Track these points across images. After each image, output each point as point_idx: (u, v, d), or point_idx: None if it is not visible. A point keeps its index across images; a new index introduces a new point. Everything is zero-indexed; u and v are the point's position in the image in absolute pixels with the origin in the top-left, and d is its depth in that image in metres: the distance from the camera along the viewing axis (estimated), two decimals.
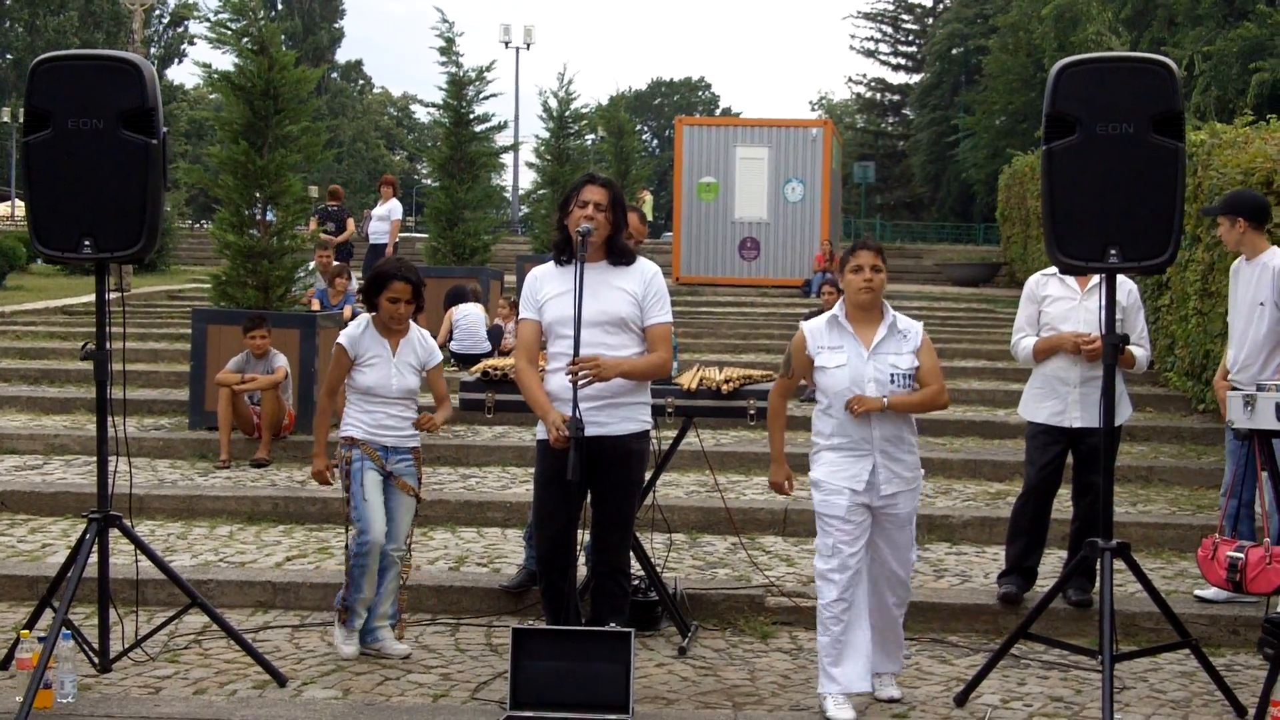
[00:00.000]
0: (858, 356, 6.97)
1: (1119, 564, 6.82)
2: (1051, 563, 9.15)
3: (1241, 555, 7.40)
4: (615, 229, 6.96)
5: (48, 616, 7.10)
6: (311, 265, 17.44)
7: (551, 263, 7.12)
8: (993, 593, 8.67)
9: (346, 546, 7.68)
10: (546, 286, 7.02)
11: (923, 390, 7.04)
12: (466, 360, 16.80)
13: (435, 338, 16.26)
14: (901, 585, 7.14)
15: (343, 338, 7.80)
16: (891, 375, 6.96)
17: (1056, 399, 8.32)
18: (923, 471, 7.22)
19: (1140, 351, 8.22)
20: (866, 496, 6.91)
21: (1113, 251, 6.63)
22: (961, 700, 7.06)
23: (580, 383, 6.64)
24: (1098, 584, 7.13)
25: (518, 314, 7.33)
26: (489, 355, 16.58)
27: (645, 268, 7.03)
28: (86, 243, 6.82)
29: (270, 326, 12.67)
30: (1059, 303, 8.39)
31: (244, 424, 12.56)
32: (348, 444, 7.71)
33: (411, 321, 7.92)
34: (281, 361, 12.64)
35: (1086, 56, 6.82)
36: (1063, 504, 8.76)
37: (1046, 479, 8.46)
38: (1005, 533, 8.82)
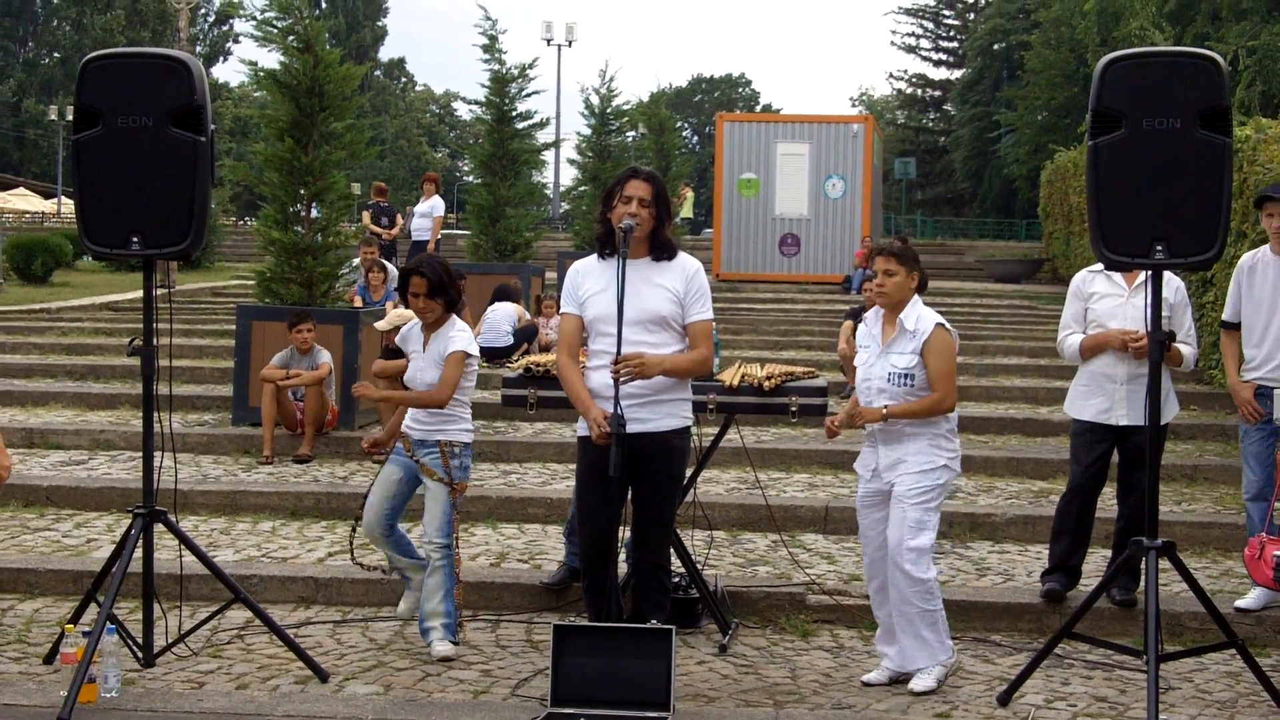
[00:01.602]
0: (874, 355, 7.36)
1: (1164, 563, 6.78)
2: (1095, 562, 9.10)
3: None
4: (659, 223, 6.95)
5: (92, 611, 7.15)
6: (356, 261, 17.50)
7: (594, 257, 7.12)
8: (1036, 591, 8.62)
9: None
10: (588, 282, 7.02)
11: (925, 398, 7.23)
12: (489, 354, 16.88)
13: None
14: (898, 569, 7.19)
15: (401, 331, 8.20)
16: (889, 374, 7.25)
17: (1103, 396, 8.27)
18: (941, 461, 7.25)
19: (1187, 349, 8.17)
20: (875, 483, 7.34)
21: (1159, 248, 6.58)
22: (1005, 700, 7.02)
23: (622, 379, 6.64)
24: (1142, 583, 7.10)
25: (558, 309, 7.37)
26: (510, 350, 16.64)
27: (687, 264, 7.02)
28: (135, 239, 6.85)
29: (315, 322, 12.72)
30: (1106, 300, 8.33)
31: (287, 420, 12.61)
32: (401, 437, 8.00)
33: (456, 317, 7.99)
34: (325, 358, 12.69)
35: (1132, 51, 6.77)
36: (1106, 503, 8.71)
37: (1092, 477, 8.41)
38: (1049, 531, 8.76)
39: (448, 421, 7.81)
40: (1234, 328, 8.74)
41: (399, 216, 23.81)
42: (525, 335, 17.23)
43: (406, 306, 8.18)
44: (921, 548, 7.18)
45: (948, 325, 7.33)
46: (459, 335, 7.88)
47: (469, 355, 7.85)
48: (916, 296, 7.38)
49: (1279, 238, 8.41)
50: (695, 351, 6.96)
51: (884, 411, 7.18)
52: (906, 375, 7.19)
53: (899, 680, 7.28)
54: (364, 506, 7.91)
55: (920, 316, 7.28)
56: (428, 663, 7.52)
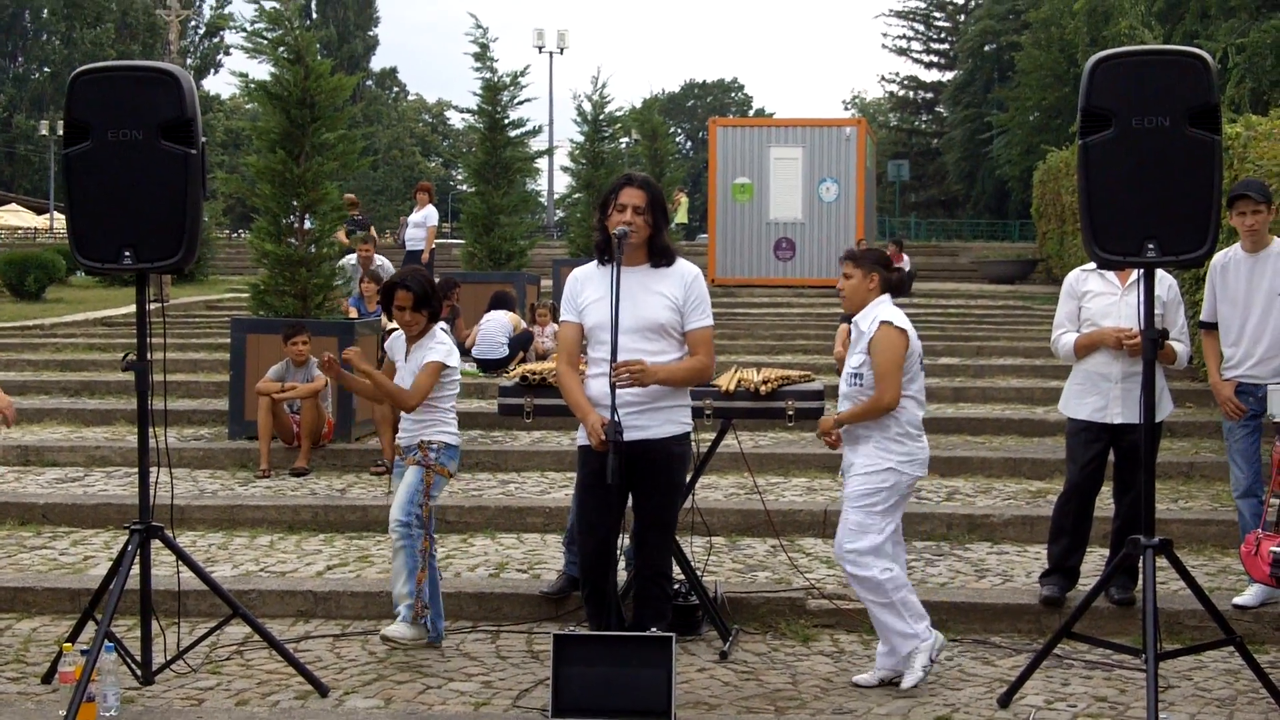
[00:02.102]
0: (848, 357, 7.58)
1: (1162, 561, 6.78)
2: (1093, 561, 9.10)
3: None
4: (655, 230, 6.95)
5: (90, 629, 7.13)
6: (351, 259, 17.54)
7: (593, 264, 7.11)
8: (1035, 592, 8.62)
9: None
10: (587, 290, 7.02)
11: (865, 399, 7.34)
12: (485, 365, 16.87)
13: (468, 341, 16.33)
14: (845, 572, 7.38)
15: (388, 343, 8.29)
16: (846, 375, 7.45)
17: (1098, 395, 8.28)
18: (886, 464, 7.29)
19: (1181, 347, 8.18)
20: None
21: (1150, 246, 6.59)
22: (1005, 701, 7.01)
23: (621, 384, 6.64)
24: (1140, 582, 7.09)
25: (555, 317, 7.37)
26: (506, 361, 16.66)
27: (685, 271, 7.01)
28: (127, 253, 6.82)
29: (310, 334, 12.71)
30: (1100, 298, 8.35)
31: (284, 433, 12.59)
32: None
33: (439, 328, 8.13)
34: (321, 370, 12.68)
35: (1121, 50, 6.78)
36: (1103, 502, 8.71)
37: (1089, 477, 8.42)
38: (1047, 532, 8.77)
39: (429, 426, 7.92)
40: (1212, 328, 8.80)
41: (373, 229, 23.77)
42: (520, 343, 17.22)
43: (390, 319, 8.25)
44: (860, 550, 7.24)
45: (898, 323, 7.32)
46: (438, 347, 7.98)
47: (446, 367, 7.92)
48: (883, 297, 7.48)
49: (1251, 235, 8.44)
50: (694, 359, 6.97)
51: (835, 418, 7.39)
52: (856, 375, 7.36)
53: (890, 682, 7.31)
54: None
55: (875, 317, 7.36)
56: (428, 675, 7.50)
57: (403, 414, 8.06)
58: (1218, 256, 8.65)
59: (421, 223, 22.78)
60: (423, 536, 7.79)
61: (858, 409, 7.30)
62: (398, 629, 7.76)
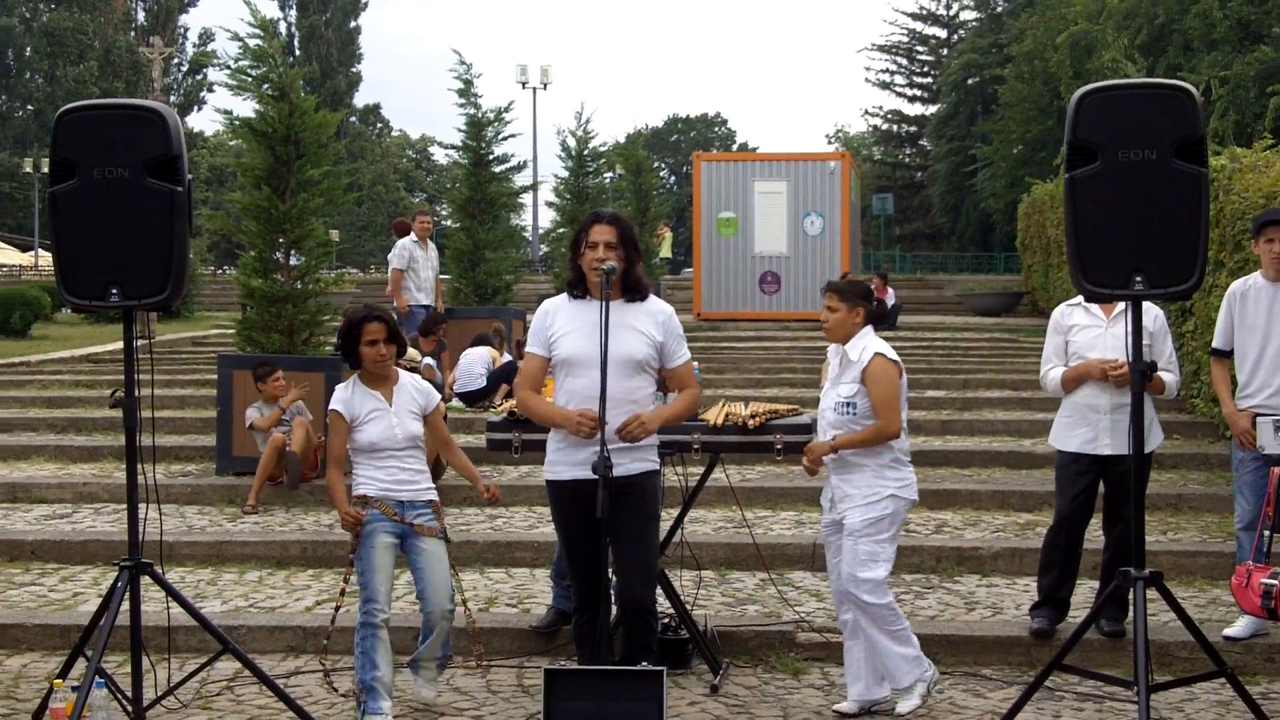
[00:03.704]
0: (827, 387, 7.66)
1: (1152, 593, 6.78)
2: (1083, 593, 9.10)
3: (1276, 582, 7.34)
4: (628, 264, 6.97)
5: (81, 665, 7.07)
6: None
7: (564, 296, 7.12)
8: (1025, 625, 8.63)
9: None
10: (559, 321, 7.02)
11: (869, 427, 7.40)
12: (465, 398, 16.89)
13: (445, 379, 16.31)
14: (854, 601, 7.37)
15: (334, 403, 7.60)
16: (835, 404, 7.48)
17: (1087, 426, 8.29)
18: (887, 491, 7.37)
19: (1169, 376, 8.19)
20: (831, 514, 7.54)
21: (1138, 279, 6.59)
22: None
23: (635, 441, 6.78)
24: (1131, 614, 7.10)
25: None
26: (484, 393, 16.75)
27: (659, 309, 7.05)
28: (113, 291, 6.78)
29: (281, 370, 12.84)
30: (1085, 331, 8.38)
31: (280, 470, 12.61)
32: (360, 502, 7.47)
33: (401, 370, 7.77)
34: (300, 405, 12.77)
35: (1106, 84, 6.80)
36: (1093, 534, 8.72)
37: (1078, 509, 8.43)
38: (1036, 564, 8.78)
39: (427, 477, 7.68)
40: (1224, 355, 8.75)
41: None
42: (503, 376, 17.17)
43: (352, 365, 7.71)
44: (877, 579, 7.32)
45: (890, 355, 7.45)
46: (426, 385, 7.78)
47: None
48: (867, 329, 7.56)
49: (1276, 263, 8.38)
50: (686, 394, 7.06)
51: (832, 443, 7.38)
52: (848, 404, 7.40)
53: (870, 711, 7.34)
54: (366, 589, 7.37)
55: (865, 348, 7.45)
56: (418, 710, 7.50)
57: (384, 458, 7.52)
58: (1236, 284, 8.68)
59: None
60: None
61: (857, 436, 7.34)
62: (432, 690, 7.66)
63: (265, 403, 12.77)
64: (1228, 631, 8.38)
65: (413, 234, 18.75)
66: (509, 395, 16.14)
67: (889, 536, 7.36)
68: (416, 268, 18.63)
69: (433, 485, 7.73)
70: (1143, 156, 6.51)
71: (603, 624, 6.80)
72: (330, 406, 7.64)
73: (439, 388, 13.64)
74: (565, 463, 6.88)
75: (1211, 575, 10.02)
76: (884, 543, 7.33)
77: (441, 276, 19.67)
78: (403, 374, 7.75)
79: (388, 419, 7.54)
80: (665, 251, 38.04)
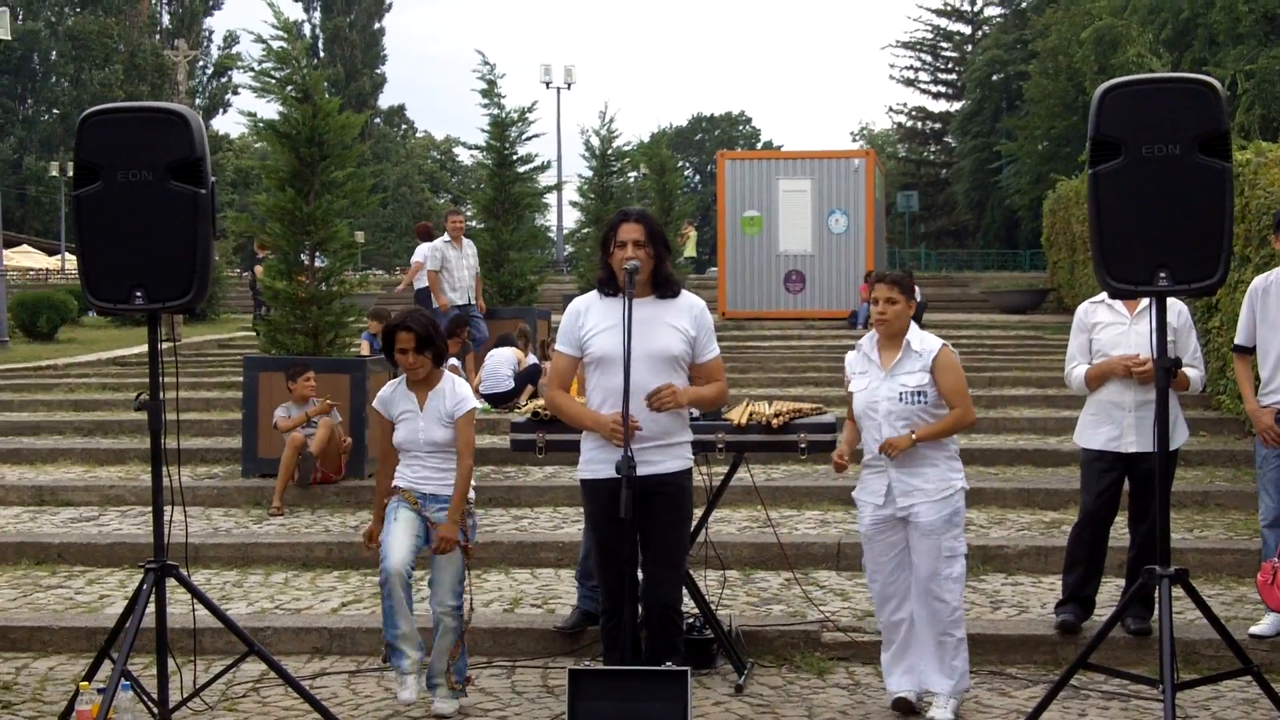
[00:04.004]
0: (877, 379, 7.35)
1: (1178, 591, 6.75)
2: (1109, 591, 9.08)
3: None
4: (658, 261, 6.96)
5: (107, 668, 7.10)
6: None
7: (595, 293, 7.12)
8: (1050, 623, 8.60)
9: None
10: (590, 320, 6.99)
11: (947, 416, 7.29)
12: (492, 400, 16.90)
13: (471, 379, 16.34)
14: (936, 600, 7.25)
15: (376, 400, 7.87)
16: (900, 394, 7.27)
17: (1112, 424, 8.26)
18: (957, 484, 7.31)
19: (1194, 372, 8.15)
20: (888, 509, 7.28)
21: (1162, 275, 6.56)
22: None
23: (665, 409, 6.73)
24: (1156, 612, 7.07)
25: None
26: (512, 395, 16.73)
27: (693, 303, 7.04)
28: (138, 294, 6.80)
29: (313, 372, 12.83)
30: (1109, 328, 8.34)
31: (305, 472, 12.62)
32: (393, 493, 7.72)
33: (449, 372, 7.85)
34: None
35: (1130, 78, 6.77)
36: (1118, 531, 8.69)
37: (1103, 506, 8.40)
38: (1061, 562, 8.75)
39: (453, 476, 7.67)
40: (1247, 351, 8.71)
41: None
42: (528, 377, 17.22)
43: (393, 364, 7.88)
44: (958, 575, 7.29)
45: (950, 346, 7.42)
46: (465, 391, 7.75)
47: (474, 409, 7.79)
48: (913, 323, 7.43)
49: None
50: (717, 384, 7.06)
51: (912, 436, 7.20)
52: (919, 393, 7.24)
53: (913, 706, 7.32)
54: (381, 549, 7.55)
55: (924, 338, 7.39)
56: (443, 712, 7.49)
57: (411, 458, 7.70)
58: (1259, 279, 8.64)
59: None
60: (468, 613, 7.69)
61: (937, 426, 7.25)
62: (449, 706, 7.56)
63: (295, 403, 12.77)
64: (1254, 629, 8.35)
65: (446, 234, 18.81)
66: (534, 396, 16.17)
67: (961, 530, 7.33)
68: (450, 268, 18.70)
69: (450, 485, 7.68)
70: (1166, 151, 6.49)
71: (630, 624, 6.79)
72: (373, 404, 7.90)
73: None
74: (602, 461, 6.82)
75: (1238, 573, 9.98)
76: (959, 538, 7.30)
77: None
78: (446, 377, 7.79)
79: (415, 423, 7.64)
80: (690, 251, 38.03)
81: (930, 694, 7.33)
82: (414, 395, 7.70)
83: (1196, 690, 7.38)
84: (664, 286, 6.99)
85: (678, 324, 6.94)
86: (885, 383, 7.32)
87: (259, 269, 23.35)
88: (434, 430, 7.63)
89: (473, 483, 7.78)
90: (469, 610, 7.73)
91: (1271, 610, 8.07)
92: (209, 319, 33.57)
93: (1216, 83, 6.59)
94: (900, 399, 7.25)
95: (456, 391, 7.73)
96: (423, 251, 21.80)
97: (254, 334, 14.83)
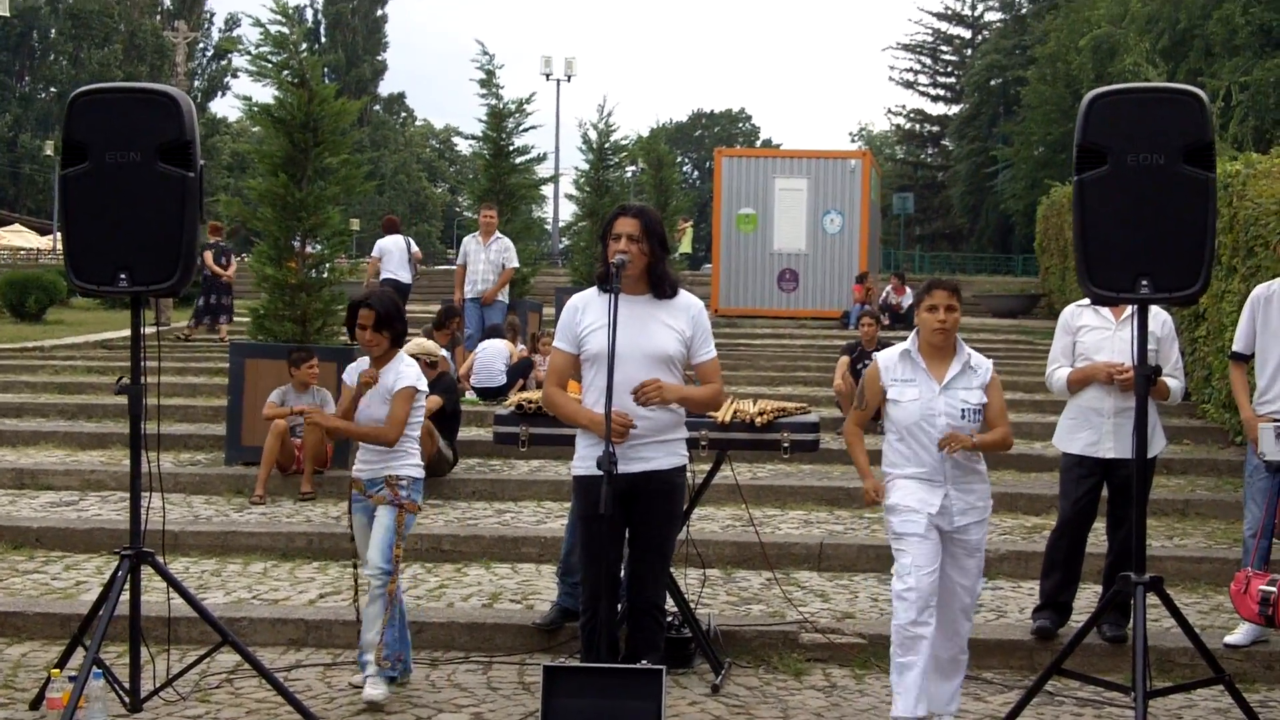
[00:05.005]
0: (930, 391, 7.04)
1: (1153, 599, 6.76)
2: (1086, 597, 9.08)
3: (1274, 589, 7.32)
4: (653, 258, 6.91)
5: (79, 655, 7.08)
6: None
7: (593, 290, 7.06)
8: (1027, 628, 8.60)
9: None
10: (588, 316, 6.94)
11: (995, 431, 7.12)
12: (483, 393, 16.85)
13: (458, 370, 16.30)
14: (966, 618, 7.15)
15: (346, 372, 7.96)
16: (962, 410, 7.02)
17: (1091, 429, 8.27)
18: (992, 503, 7.21)
19: (1174, 383, 8.15)
20: (941, 520, 6.97)
21: (1144, 282, 6.59)
22: None
23: (652, 403, 6.69)
24: (1132, 619, 7.07)
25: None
26: (506, 389, 16.66)
27: (690, 304, 7.00)
28: (122, 276, 6.77)
29: (318, 358, 12.72)
30: (1093, 333, 8.34)
31: (286, 460, 12.56)
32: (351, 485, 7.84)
33: (404, 353, 7.86)
34: (326, 395, 12.56)
35: (1117, 87, 6.81)
36: (1097, 537, 8.69)
37: (1081, 512, 8.40)
38: (1040, 567, 8.75)
39: (395, 458, 7.65)
40: (1245, 359, 8.71)
41: (233, 256, 24.00)
42: (520, 371, 17.19)
43: (352, 339, 8.00)
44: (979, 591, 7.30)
45: None
46: (407, 370, 7.73)
47: (418, 391, 7.73)
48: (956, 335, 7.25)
49: None
50: (710, 386, 7.03)
51: (974, 439, 6.98)
52: (979, 411, 7.06)
53: None
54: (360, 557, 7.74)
55: (973, 354, 7.20)
56: (419, 706, 7.47)
57: (362, 444, 7.75)
58: (1260, 289, 8.65)
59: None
60: (393, 578, 7.60)
61: (990, 438, 7.08)
62: (380, 692, 7.45)
63: (295, 389, 12.62)
64: (1228, 639, 8.36)
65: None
66: (523, 389, 16.16)
67: None
68: (469, 262, 18.67)
69: (391, 463, 7.65)
70: (1151, 161, 6.52)
71: (606, 622, 6.78)
72: (344, 375, 7.96)
73: (454, 381, 13.61)
74: (596, 458, 6.79)
75: (1216, 582, 9.98)
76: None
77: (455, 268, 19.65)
78: (400, 358, 7.79)
79: (370, 398, 7.68)
80: (685, 247, 37.99)
81: (935, 715, 7.17)
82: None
83: (1170, 698, 7.38)
84: (659, 285, 6.94)
85: (674, 324, 6.90)
86: (943, 397, 7.02)
87: (208, 255, 23.34)
88: (377, 408, 7.65)
89: (419, 463, 7.79)
90: (394, 586, 7.60)
91: (1245, 619, 8.07)
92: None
93: (1202, 94, 6.61)
94: (963, 415, 7.00)
95: (399, 370, 7.72)
96: (381, 246, 21.60)
97: (247, 320, 14.76)
